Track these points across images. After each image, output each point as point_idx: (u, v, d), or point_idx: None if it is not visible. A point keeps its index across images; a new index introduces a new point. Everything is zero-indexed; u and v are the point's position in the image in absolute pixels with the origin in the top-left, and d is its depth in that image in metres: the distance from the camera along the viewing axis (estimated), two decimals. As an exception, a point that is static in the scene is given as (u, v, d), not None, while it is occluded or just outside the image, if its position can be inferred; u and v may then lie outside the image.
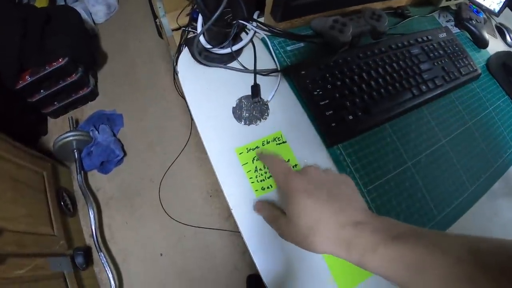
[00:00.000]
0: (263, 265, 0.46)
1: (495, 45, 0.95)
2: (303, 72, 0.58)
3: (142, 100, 1.86)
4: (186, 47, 0.62)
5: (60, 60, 1.48)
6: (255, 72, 0.57)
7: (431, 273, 0.30)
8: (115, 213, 1.56)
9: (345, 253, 0.35)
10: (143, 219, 1.56)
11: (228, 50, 0.59)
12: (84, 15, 1.90)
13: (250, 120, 0.54)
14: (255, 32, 0.62)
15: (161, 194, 1.60)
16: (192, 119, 1.66)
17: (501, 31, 1.01)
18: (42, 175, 1.33)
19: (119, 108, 1.80)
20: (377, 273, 0.33)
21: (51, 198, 1.31)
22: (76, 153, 1.51)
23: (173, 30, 0.96)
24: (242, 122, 0.54)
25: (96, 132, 1.59)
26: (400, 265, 0.32)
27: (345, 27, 0.60)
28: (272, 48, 0.61)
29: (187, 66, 0.59)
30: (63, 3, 1.98)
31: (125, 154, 1.68)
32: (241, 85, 0.57)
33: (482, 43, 0.87)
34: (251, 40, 0.62)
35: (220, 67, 0.59)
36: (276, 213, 0.43)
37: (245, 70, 0.59)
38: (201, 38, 0.59)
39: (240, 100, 0.56)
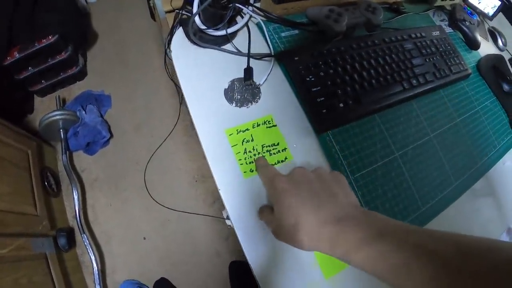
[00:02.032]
0: (248, 245, 0.46)
1: (487, 48, 0.96)
2: (296, 58, 0.58)
3: (131, 81, 1.84)
4: (181, 27, 0.61)
5: (50, 37, 1.45)
6: (249, 55, 0.57)
7: (416, 275, 0.30)
8: (99, 194, 1.55)
9: (329, 250, 0.36)
10: (128, 202, 1.55)
11: (223, 32, 0.58)
12: (76, -8, 1.86)
13: (242, 103, 0.54)
14: (251, 16, 0.62)
15: (147, 177, 1.59)
16: (180, 103, 1.66)
17: (493, 34, 1.02)
18: (26, 153, 1.31)
19: (107, 89, 1.78)
20: (362, 270, 0.34)
21: (35, 177, 1.29)
22: (62, 132, 1.48)
23: (166, 12, 0.95)
24: (234, 104, 0.54)
25: (83, 112, 1.57)
26: (384, 265, 0.32)
27: (340, 17, 0.60)
28: (267, 33, 0.61)
29: (180, 46, 0.59)
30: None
31: (111, 135, 1.67)
32: (234, 67, 0.57)
33: (474, 45, 0.89)
34: (246, 24, 0.62)
35: (214, 48, 0.58)
36: (270, 215, 0.44)
37: (238, 53, 0.59)
38: (197, 19, 0.58)
39: (232, 82, 0.56)
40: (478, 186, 0.68)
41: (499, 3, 0.93)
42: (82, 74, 1.78)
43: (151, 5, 1.37)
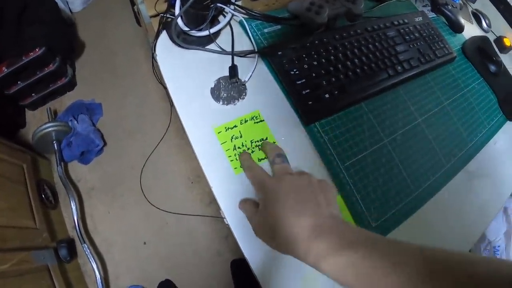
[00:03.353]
0: (244, 241, 0.47)
1: (471, 30, 0.97)
2: (279, 53, 0.58)
3: (121, 88, 1.84)
4: (164, 30, 0.62)
5: (37, 50, 1.44)
6: (233, 53, 0.58)
7: (381, 285, 0.31)
8: (97, 203, 1.55)
9: (302, 256, 0.37)
10: (126, 208, 1.55)
11: (206, 33, 0.59)
12: (60, 3, 1.86)
13: (228, 100, 0.55)
14: (233, 15, 0.62)
15: (143, 182, 1.59)
16: (171, 106, 1.66)
17: (477, 17, 1.03)
18: (21, 167, 1.31)
19: (98, 97, 1.78)
20: (331, 278, 0.35)
21: (31, 190, 1.29)
22: (55, 144, 1.48)
23: (151, 16, 0.95)
24: (221, 102, 0.55)
25: (75, 122, 1.57)
26: (351, 273, 0.33)
27: (321, 9, 0.60)
28: (250, 31, 0.61)
29: (165, 49, 0.59)
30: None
31: (105, 143, 1.67)
32: (219, 66, 0.58)
33: (457, 28, 0.89)
34: (228, 23, 0.62)
35: (198, 49, 0.59)
36: (253, 210, 0.45)
37: (223, 52, 0.59)
38: (179, 21, 0.59)
39: (218, 81, 0.56)
40: (472, 168, 0.69)
41: (481, -16, 0.93)
42: (71, 85, 1.77)
43: (136, 10, 1.37)
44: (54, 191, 1.49)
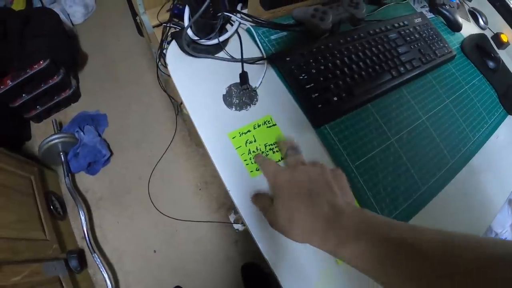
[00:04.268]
0: (263, 241, 0.48)
1: (469, 28, 0.99)
2: (287, 59, 0.60)
3: (125, 98, 1.86)
4: (174, 40, 0.63)
5: (41, 62, 1.46)
6: (242, 60, 0.60)
7: (398, 268, 0.32)
8: (106, 213, 1.56)
9: (320, 244, 0.39)
10: (134, 217, 1.56)
11: (215, 41, 0.61)
12: (62, 16, 1.88)
13: (241, 106, 0.57)
14: (240, 23, 0.64)
15: (150, 191, 1.60)
16: (176, 114, 1.68)
17: (474, 15, 1.06)
18: (29, 180, 1.32)
19: (102, 108, 1.79)
20: (349, 264, 0.36)
21: (40, 202, 1.30)
22: (62, 155, 1.50)
23: (154, 26, 0.97)
24: (233, 108, 0.56)
25: (82, 133, 1.59)
26: (368, 259, 0.34)
27: (325, 15, 0.63)
28: (257, 38, 0.63)
29: (176, 58, 0.61)
30: (40, 5, 1.95)
31: (111, 153, 1.68)
32: (230, 73, 0.60)
33: (455, 27, 0.92)
34: (236, 31, 0.64)
35: (209, 57, 0.61)
36: (267, 204, 0.46)
37: (232, 59, 0.61)
38: (189, 31, 0.61)
39: (229, 87, 0.58)
40: (476, 163, 0.71)
41: (476, -16, 0.95)
42: (76, 96, 1.79)
43: (138, 21, 1.39)
44: (62, 202, 1.50)
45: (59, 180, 1.59)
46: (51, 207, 1.36)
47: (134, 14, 1.49)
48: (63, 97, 1.70)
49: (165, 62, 0.62)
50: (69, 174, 1.50)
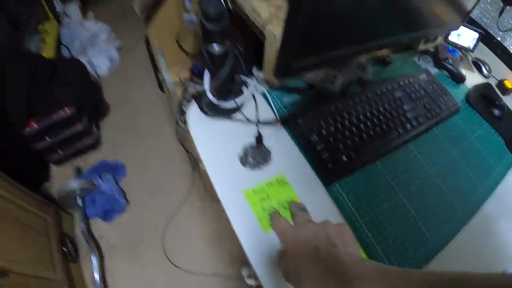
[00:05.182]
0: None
1: (473, 79, 1.03)
2: (299, 121, 0.65)
3: (143, 149, 1.92)
4: (194, 100, 0.69)
5: (67, 109, 1.53)
6: (258, 123, 0.65)
7: None
8: (118, 260, 1.56)
9: None
10: (147, 267, 1.55)
11: (232, 104, 0.66)
12: (88, 67, 1.98)
13: (255, 165, 0.61)
14: (255, 86, 0.70)
15: (164, 242, 1.60)
16: (193, 169, 1.71)
17: (477, 65, 1.10)
18: (45, 220, 1.34)
19: (121, 157, 1.84)
20: None
21: (54, 243, 1.32)
22: (80, 200, 1.53)
23: (174, 83, 1.02)
24: (248, 167, 0.61)
25: (100, 180, 1.63)
26: None
27: (335, 78, 0.68)
28: (271, 100, 0.69)
29: (196, 118, 0.66)
30: (68, 54, 2.09)
31: (127, 202, 1.70)
32: (245, 134, 0.65)
33: (459, 79, 0.96)
34: (251, 93, 0.69)
35: (226, 118, 0.66)
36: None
37: (248, 121, 0.66)
38: (208, 93, 0.66)
39: (245, 148, 0.63)
40: (487, 209, 0.72)
41: (477, 35, 0.99)
42: (96, 144, 1.85)
43: (160, 78, 1.45)
44: (75, 246, 1.51)
45: (74, 223, 1.60)
46: (64, 249, 1.38)
47: (156, 69, 1.56)
48: (84, 144, 1.76)
49: (183, 119, 0.68)
50: (85, 220, 1.53)
